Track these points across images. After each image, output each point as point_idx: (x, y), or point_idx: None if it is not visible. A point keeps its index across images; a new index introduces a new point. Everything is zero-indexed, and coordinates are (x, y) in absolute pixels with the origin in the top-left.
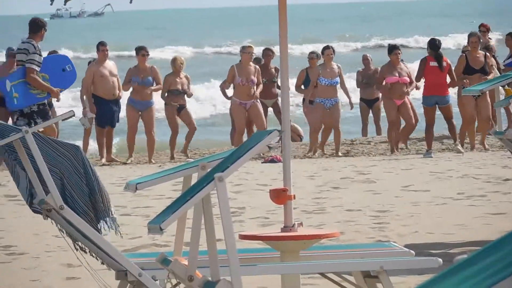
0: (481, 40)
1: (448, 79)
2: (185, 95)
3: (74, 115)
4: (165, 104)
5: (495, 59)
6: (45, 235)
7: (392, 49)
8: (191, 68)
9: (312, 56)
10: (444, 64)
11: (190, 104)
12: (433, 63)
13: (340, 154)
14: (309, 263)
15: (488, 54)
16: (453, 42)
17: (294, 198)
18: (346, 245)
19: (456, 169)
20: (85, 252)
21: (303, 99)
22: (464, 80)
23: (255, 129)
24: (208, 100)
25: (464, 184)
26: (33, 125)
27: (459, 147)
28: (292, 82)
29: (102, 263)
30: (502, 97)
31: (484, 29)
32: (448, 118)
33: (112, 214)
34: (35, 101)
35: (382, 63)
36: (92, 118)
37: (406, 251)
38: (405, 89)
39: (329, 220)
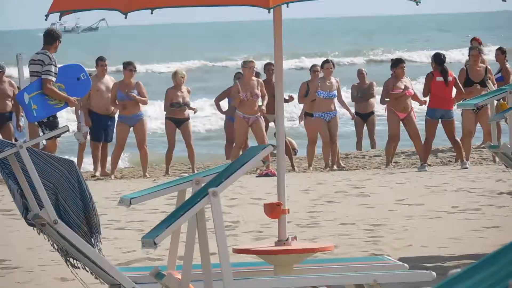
0: (483, 54)
1: (454, 91)
2: (188, 109)
3: (68, 130)
4: (166, 118)
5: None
6: (39, 249)
7: (398, 63)
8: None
9: (316, 68)
10: (450, 78)
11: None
12: (439, 78)
13: (335, 167)
14: (303, 276)
15: (489, 68)
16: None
17: (288, 212)
18: (340, 259)
19: (450, 182)
20: (77, 268)
21: (305, 112)
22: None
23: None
24: (202, 115)
25: (459, 197)
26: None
27: (467, 165)
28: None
29: (96, 277)
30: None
31: (477, 43)
32: (451, 134)
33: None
34: (53, 112)
35: (376, 77)
36: (87, 133)
37: (400, 264)
38: (409, 102)
39: (323, 233)
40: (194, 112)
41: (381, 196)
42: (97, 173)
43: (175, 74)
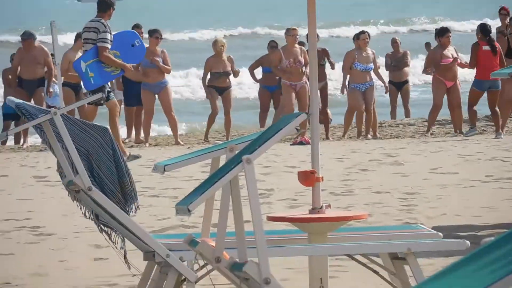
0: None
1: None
2: (230, 75)
3: (103, 98)
4: (208, 85)
5: None
6: (73, 216)
7: (444, 32)
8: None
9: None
10: (496, 47)
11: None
12: (486, 47)
13: (369, 136)
14: (336, 245)
15: None
16: (473, 27)
17: (322, 180)
18: (374, 227)
19: (484, 151)
20: (109, 237)
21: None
22: None
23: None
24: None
25: (493, 166)
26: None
27: (502, 135)
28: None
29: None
30: None
31: (505, 12)
32: (493, 104)
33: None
34: (110, 79)
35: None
36: (121, 100)
37: (433, 233)
38: (457, 70)
39: (357, 202)
40: (235, 76)
41: (415, 164)
42: (128, 140)
43: (215, 43)
